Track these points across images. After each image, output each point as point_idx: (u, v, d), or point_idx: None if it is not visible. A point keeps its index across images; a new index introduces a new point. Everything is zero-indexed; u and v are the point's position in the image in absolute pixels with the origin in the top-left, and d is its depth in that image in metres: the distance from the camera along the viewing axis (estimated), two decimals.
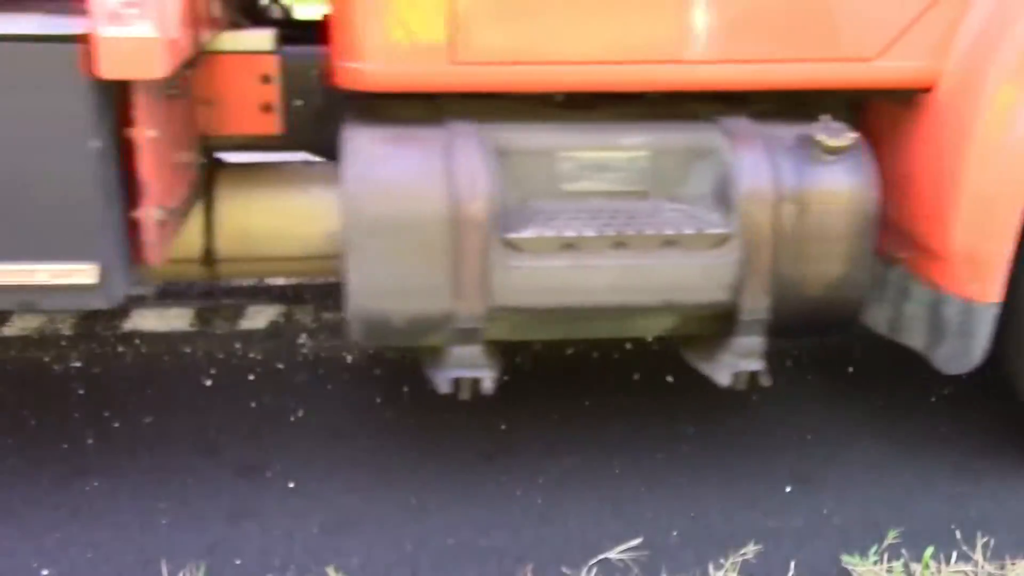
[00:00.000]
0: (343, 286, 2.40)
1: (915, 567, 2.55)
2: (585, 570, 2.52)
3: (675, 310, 2.52)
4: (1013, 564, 2.57)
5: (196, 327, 3.74)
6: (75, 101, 2.04)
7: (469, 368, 2.44)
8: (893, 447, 3.07)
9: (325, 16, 2.65)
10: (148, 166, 2.15)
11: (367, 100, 2.44)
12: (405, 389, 3.32)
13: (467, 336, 2.38)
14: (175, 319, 3.78)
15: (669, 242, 2.36)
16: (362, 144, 2.32)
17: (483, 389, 2.47)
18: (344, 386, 3.35)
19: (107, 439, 2.99)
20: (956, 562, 2.58)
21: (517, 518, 2.71)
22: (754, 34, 2.38)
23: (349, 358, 3.53)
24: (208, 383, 3.34)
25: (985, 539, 2.65)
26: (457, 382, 2.48)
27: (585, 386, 3.38)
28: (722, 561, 2.56)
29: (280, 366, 3.46)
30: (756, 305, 2.43)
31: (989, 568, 2.56)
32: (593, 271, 2.37)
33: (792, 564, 2.55)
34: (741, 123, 2.47)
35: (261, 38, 2.63)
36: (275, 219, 2.75)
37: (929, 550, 2.58)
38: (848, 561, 2.57)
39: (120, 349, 3.56)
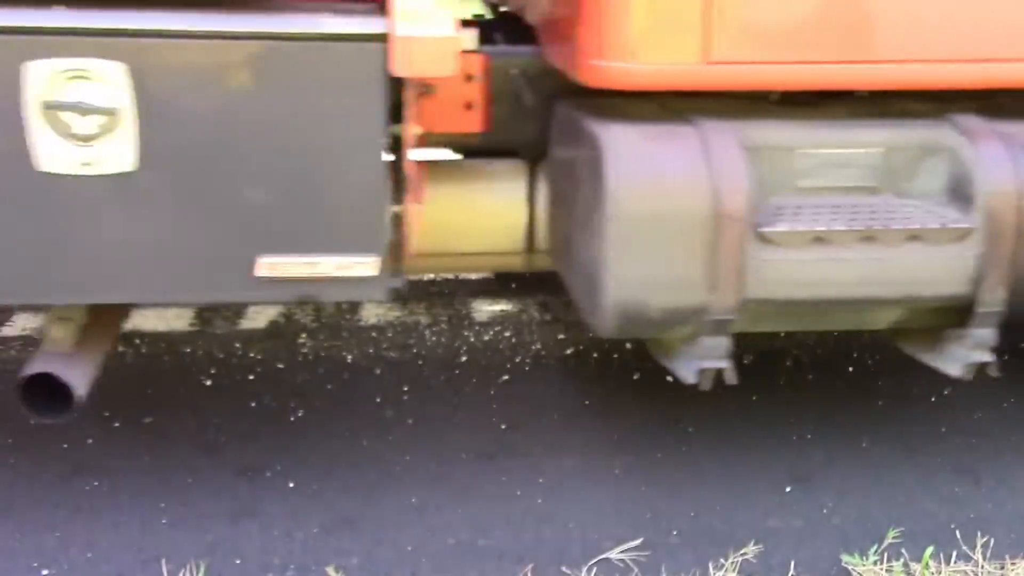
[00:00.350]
0: (584, 277, 2.46)
1: (915, 567, 2.56)
2: (585, 570, 2.52)
3: (913, 303, 2.56)
4: (1013, 564, 2.57)
5: (196, 327, 3.74)
6: (370, 98, 2.08)
7: (716, 359, 2.49)
8: (893, 447, 3.07)
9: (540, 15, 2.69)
10: (413, 162, 2.22)
11: (587, 98, 2.50)
12: (405, 389, 3.32)
13: (718, 327, 2.44)
14: (175, 319, 3.78)
15: (914, 237, 2.41)
16: (624, 142, 2.36)
17: (726, 380, 2.52)
18: (344, 386, 3.35)
19: (107, 439, 2.99)
20: (956, 562, 2.58)
21: (517, 518, 2.71)
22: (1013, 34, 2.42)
23: (349, 358, 3.53)
24: (208, 383, 3.34)
25: (985, 539, 2.65)
26: (701, 372, 2.52)
27: (585, 386, 3.39)
28: (722, 561, 2.56)
29: (280, 366, 3.46)
30: (993, 298, 2.48)
31: (989, 568, 2.56)
32: (841, 264, 2.42)
33: (792, 564, 2.56)
34: (974, 120, 2.50)
35: (466, 37, 2.65)
36: (463, 215, 2.80)
37: (929, 550, 2.59)
38: (848, 561, 2.57)
39: (120, 349, 3.56)
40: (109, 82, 1.96)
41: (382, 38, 2.03)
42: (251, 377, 3.38)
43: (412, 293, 4.06)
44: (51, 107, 1.96)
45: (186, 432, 3.04)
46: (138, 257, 2.12)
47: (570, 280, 2.68)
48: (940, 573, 2.55)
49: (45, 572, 2.47)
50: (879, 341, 3.76)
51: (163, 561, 2.50)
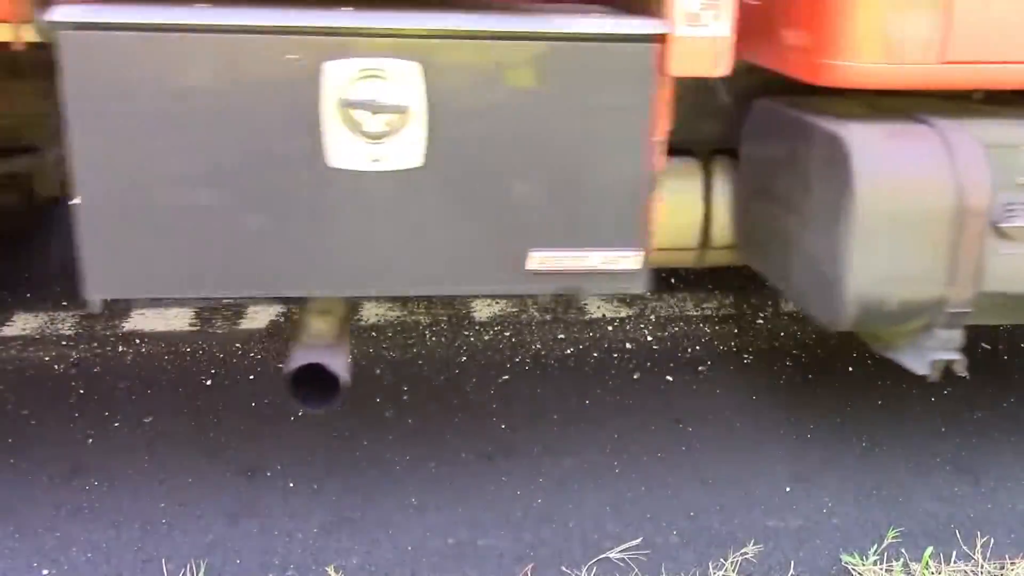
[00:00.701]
0: (814, 273, 2.52)
1: (915, 567, 2.56)
2: (585, 570, 2.52)
3: None
4: (1013, 564, 2.57)
5: (196, 327, 3.74)
6: (644, 97, 2.14)
7: (949, 351, 2.54)
8: (893, 447, 3.07)
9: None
10: (660, 159, 2.26)
11: (792, 96, 2.59)
12: (405, 389, 3.32)
13: (953, 320, 2.49)
14: (175, 319, 3.78)
15: None
16: (869, 142, 2.42)
17: (956, 371, 2.56)
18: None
19: (107, 439, 2.99)
20: (956, 562, 2.58)
21: (517, 518, 2.72)
22: None
23: (349, 358, 3.53)
24: (208, 383, 3.34)
25: (985, 539, 2.66)
26: (933, 364, 2.56)
27: (585, 386, 3.39)
28: (722, 561, 2.56)
29: (280, 366, 3.46)
30: None
31: (989, 568, 2.56)
32: None
33: (792, 564, 2.56)
34: None
35: None
36: None
37: (929, 550, 2.59)
38: (848, 561, 2.57)
39: (120, 349, 3.56)
40: (402, 81, 2.03)
41: (660, 38, 2.10)
42: (251, 377, 3.38)
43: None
44: (346, 105, 2.02)
45: (186, 432, 3.04)
46: (418, 250, 2.19)
47: (780, 275, 2.74)
48: (940, 573, 2.55)
49: (45, 572, 2.47)
50: None
51: (163, 561, 2.50)
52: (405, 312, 3.89)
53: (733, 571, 2.53)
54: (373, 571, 2.51)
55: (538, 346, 3.64)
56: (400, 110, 2.04)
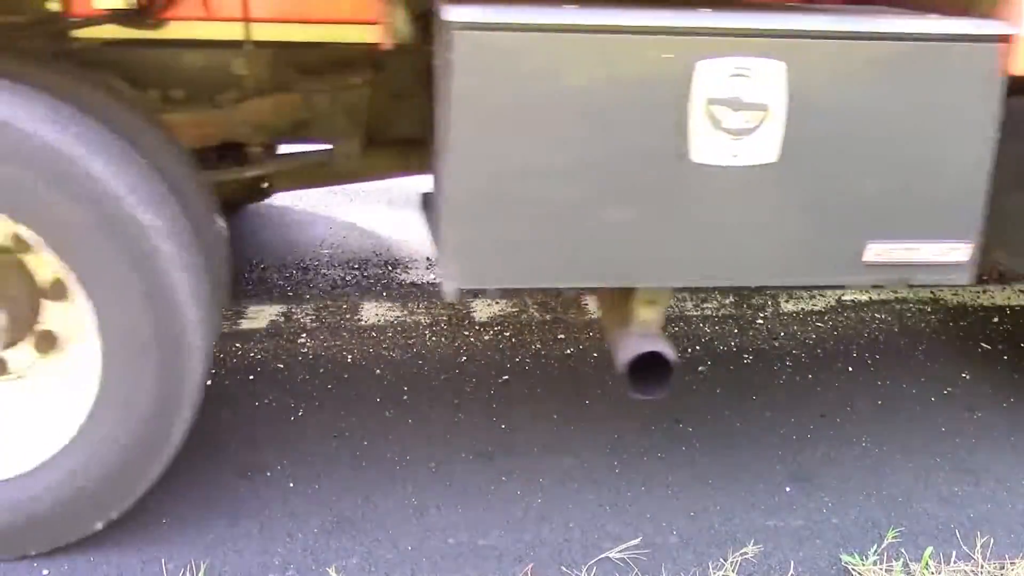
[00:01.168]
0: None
1: (915, 567, 2.56)
2: (585, 570, 2.52)
3: None
4: (1013, 564, 2.57)
5: None
6: (986, 95, 2.23)
7: None
8: (893, 447, 3.07)
9: None
10: None
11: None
12: (405, 388, 3.32)
13: None
14: None
15: None
16: None
17: None
18: (344, 386, 3.35)
19: None
20: (956, 562, 2.58)
21: (517, 518, 2.72)
22: None
23: (349, 358, 3.53)
24: (208, 383, 3.34)
25: (985, 539, 2.65)
26: None
27: (585, 386, 3.39)
28: (722, 561, 2.56)
29: (280, 366, 3.46)
30: None
31: (989, 568, 2.56)
32: None
33: (792, 564, 2.56)
34: None
35: None
36: None
37: (929, 550, 2.59)
38: (848, 561, 2.57)
39: None
40: (765, 79, 2.11)
41: (1005, 39, 2.19)
42: (251, 377, 3.39)
43: (412, 293, 4.07)
44: (712, 102, 2.10)
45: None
46: (765, 242, 2.27)
47: None
48: (940, 573, 2.55)
49: (45, 572, 2.47)
50: (879, 341, 3.76)
51: (163, 561, 2.50)
52: (405, 312, 3.90)
53: (733, 571, 2.53)
54: (373, 571, 2.51)
55: (538, 346, 3.64)
56: (761, 107, 2.11)
